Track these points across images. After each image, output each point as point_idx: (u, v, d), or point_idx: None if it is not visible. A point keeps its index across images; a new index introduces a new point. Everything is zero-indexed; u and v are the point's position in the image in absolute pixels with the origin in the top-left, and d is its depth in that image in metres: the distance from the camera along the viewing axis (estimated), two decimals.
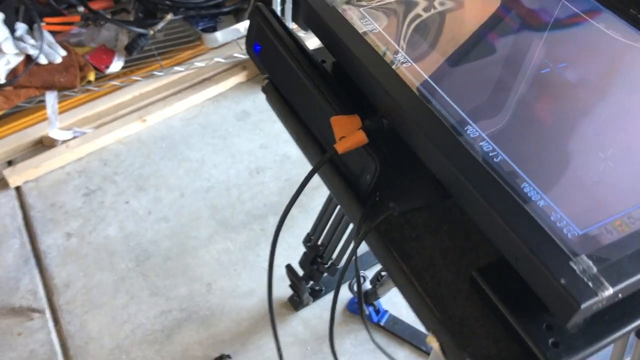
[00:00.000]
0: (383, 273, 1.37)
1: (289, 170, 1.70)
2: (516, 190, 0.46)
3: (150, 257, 1.51)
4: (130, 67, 1.75)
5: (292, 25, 1.80)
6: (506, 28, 0.61)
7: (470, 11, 0.63)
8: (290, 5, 1.72)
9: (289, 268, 1.40)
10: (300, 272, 1.40)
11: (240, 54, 1.82)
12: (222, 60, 1.81)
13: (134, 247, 1.52)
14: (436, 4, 0.64)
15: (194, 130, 1.79)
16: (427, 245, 0.56)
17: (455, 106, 0.52)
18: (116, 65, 1.69)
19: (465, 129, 0.51)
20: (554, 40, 0.60)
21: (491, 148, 0.49)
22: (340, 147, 0.54)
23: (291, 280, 1.41)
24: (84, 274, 1.47)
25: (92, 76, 1.66)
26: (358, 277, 0.59)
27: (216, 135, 1.78)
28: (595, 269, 0.42)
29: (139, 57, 1.74)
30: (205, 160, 1.72)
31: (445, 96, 0.53)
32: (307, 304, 1.45)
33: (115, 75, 1.73)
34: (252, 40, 0.67)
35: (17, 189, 1.63)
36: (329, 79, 0.60)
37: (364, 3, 0.62)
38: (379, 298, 1.41)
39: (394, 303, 1.46)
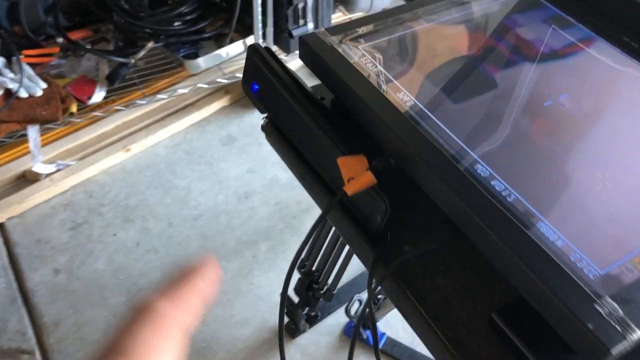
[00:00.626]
0: (380, 296, 1.36)
1: (278, 194, 1.69)
2: (533, 231, 0.46)
3: (141, 289, 1.48)
4: (112, 97, 1.73)
5: (273, 48, 1.80)
6: (504, 60, 0.61)
7: (472, 45, 0.63)
8: (272, 29, 1.72)
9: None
10: (296, 299, 1.38)
11: (223, 78, 1.81)
12: (205, 86, 1.79)
13: (124, 280, 1.49)
14: (432, 36, 0.63)
15: (179, 158, 1.77)
16: (442, 285, 0.55)
17: (464, 145, 0.52)
18: (98, 95, 1.67)
19: (476, 168, 0.50)
20: (552, 71, 0.60)
21: (503, 187, 0.49)
22: (350, 189, 0.53)
23: (287, 308, 1.39)
24: (74, 311, 1.44)
25: (74, 108, 1.63)
26: (375, 332, 0.58)
27: (202, 162, 1.77)
28: (621, 311, 0.41)
29: (121, 86, 1.72)
30: (192, 187, 1.70)
31: (453, 135, 0.53)
32: (304, 331, 1.43)
33: (98, 106, 1.71)
34: (250, 79, 0.67)
35: (1, 225, 1.59)
36: (332, 118, 0.59)
37: (361, 41, 0.62)
38: (376, 322, 1.39)
39: (391, 325, 1.45)
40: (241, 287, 1.50)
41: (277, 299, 1.47)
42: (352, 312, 1.40)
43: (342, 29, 0.63)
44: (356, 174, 0.54)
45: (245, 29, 1.80)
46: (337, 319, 1.48)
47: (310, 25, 1.79)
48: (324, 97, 0.65)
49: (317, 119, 0.59)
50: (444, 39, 0.63)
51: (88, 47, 1.68)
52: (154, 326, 0.28)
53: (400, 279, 0.54)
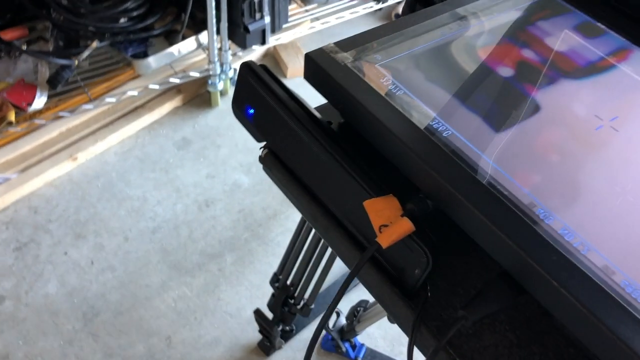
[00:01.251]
0: (359, 308, 1.29)
1: (241, 201, 1.59)
2: (618, 292, 0.39)
3: (99, 313, 1.36)
4: (54, 102, 1.58)
5: (227, 43, 1.68)
6: (541, 77, 0.54)
7: (505, 60, 0.55)
8: (226, 24, 1.60)
9: (257, 314, 1.29)
10: (269, 315, 1.30)
11: (175, 77, 1.68)
12: (156, 87, 1.66)
13: (79, 304, 1.37)
14: (460, 51, 0.55)
15: (131, 165, 1.64)
16: (491, 345, 0.48)
17: (519, 185, 0.44)
18: (39, 101, 1.52)
19: (537, 212, 0.43)
20: (594, 90, 0.54)
21: (573, 236, 0.42)
22: (385, 241, 0.45)
23: (261, 325, 1.30)
24: (24, 342, 1.30)
25: (12, 116, 1.48)
26: None
27: (156, 168, 1.64)
28: None
29: (64, 90, 1.57)
30: (148, 197, 1.58)
31: (503, 172, 0.45)
32: (280, 348, 1.35)
33: (39, 112, 1.55)
34: (243, 103, 0.57)
35: None
36: (347, 149, 0.51)
37: (378, 58, 0.53)
38: (357, 335, 1.33)
39: (369, 334, 1.39)
40: (208, 304, 1.40)
41: (248, 314, 1.38)
42: (331, 325, 1.33)
43: (352, 43, 0.54)
44: (388, 220, 0.46)
45: (198, 25, 1.68)
46: (312, 332, 1.39)
47: (267, 19, 1.68)
48: (330, 122, 0.56)
49: (333, 152, 0.50)
50: (474, 54, 0.55)
51: (24, 48, 1.52)
52: None
53: (454, 351, 0.46)
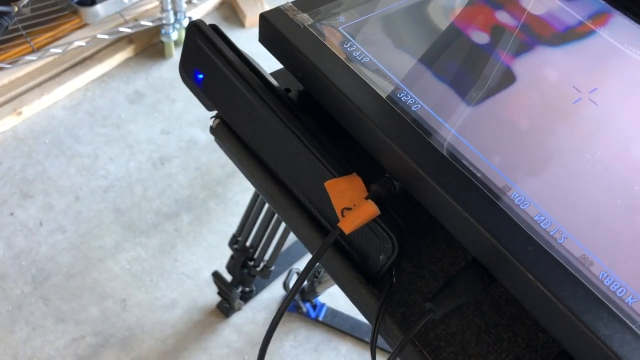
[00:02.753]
0: (320, 269, 1.27)
1: (197, 158, 1.53)
2: (597, 285, 0.36)
3: (50, 276, 1.31)
4: None
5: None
6: (517, 45, 0.50)
7: (482, 24, 0.50)
8: None
9: (216, 276, 1.26)
10: (228, 277, 1.27)
11: (126, 27, 1.58)
12: (105, 37, 1.57)
13: (28, 267, 1.31)
14: (434, 12, 0.51)
15: (80, 120, 1.56)
16: (457, 332, 0.45)
17: (492, 165, 0.41)
18: None
19: (512, 197, 0.40)
20: (572, 58, 0.50)
21: (550, 224, 0.38)
22: (348, 226, 0.41)
23: (220, 288, 1.27)
24: None
25: None
26: None
27: (107, 124, 1.56)
28: None
29: (4, 39, 1.46)
30: (99, 154, 1.50)
31: (476, 151, 0.41)
32: (239, 309, 1.32)
33: None
34: (191, 66, 0.52)
35: None
36: (309, 123, 0.46)
37: (341, 19, 0.48)
38: (317, 295, 1.31)
39: (331, 293, 1.37)
40: (165, 265, 1.36)
41: (206, 275, 1.35)
42: (291, 285, 1.30)
43: (314, 2, 0.49)
44: (352, 203, 0.42)
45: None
46: (273, 293, 1.38)
47: None
48: (289, 89, 0.52)
49: (291, 125, 0.46)
50: (446, 17, 0.51)
51: None
52: None
53: (419, 341, 0.43)
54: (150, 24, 1.62)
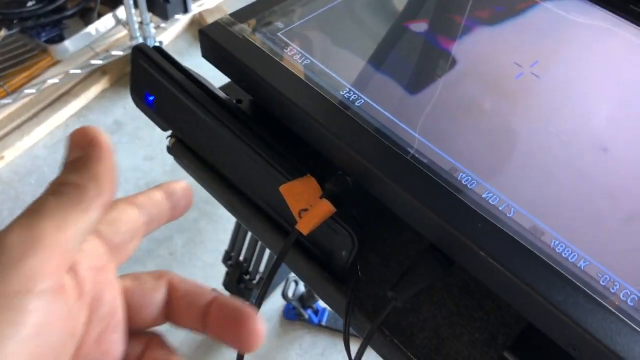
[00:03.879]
0: None
1: (183, 180, 1.53)
2: (548, 252, 0.37)
3: None
4: None
5: (148, 16, 1.60)
6: (455, 27, 0.51)
7: (419, 12, 0.51)
8: None
9: None
10: (226, 294, 1.27)
11: (97, 59, 1.59)
12: (78, 71, 1.57)
13: None
14: (373, 5, 0.51)
15: (63, 156, 1.56)
16: (429, 317, 0.45)
17: (437, 149, 0.41)
18: None
19: (458, 177, 0.40)
20: (513, 34, 0.51)
21: (498, 199, 0.39)
22: (305, 227, 0.42)
23: None
24: None
25: None
26: None
27: None
28: None
29: None
30: None
31: (421, 138, 0.42)
32: None
33: None
34: (140, 90, 0.52)
35: None
36: (259, 131, 0.47)
37: (280, 25, 0.49)
38: (317, 301, 1.31)
39: None
40: None
41: None
42: (290, 294, 1.31)
43: (249, 12, 0.50)
44: (308, 204, 0.43)
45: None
46: (273, 304, 1.38)
47: None
48: (240, 100, 0.52)
49: (242, 135, 0.46)
50: (384, 9, 0.51)
51: None
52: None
53: (386, 327, 0.44)
54: (121, 53, 1.63)
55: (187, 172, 0.54)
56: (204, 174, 0.51)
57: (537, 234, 0.38)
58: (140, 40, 1.60)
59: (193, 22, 1.89)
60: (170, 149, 0.54)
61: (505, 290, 0.37)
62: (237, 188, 0.50)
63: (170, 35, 1.82)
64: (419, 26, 0.51)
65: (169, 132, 0.55)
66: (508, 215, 0.38)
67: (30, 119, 1.58)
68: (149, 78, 0.51)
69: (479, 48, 0.49)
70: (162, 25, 1.74)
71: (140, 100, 0.53)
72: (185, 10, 1.64)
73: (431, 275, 0.40)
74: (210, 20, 1.83)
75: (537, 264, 0.36)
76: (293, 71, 0.46)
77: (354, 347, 0.46)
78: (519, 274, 0.36)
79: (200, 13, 1.86)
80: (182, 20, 1.83)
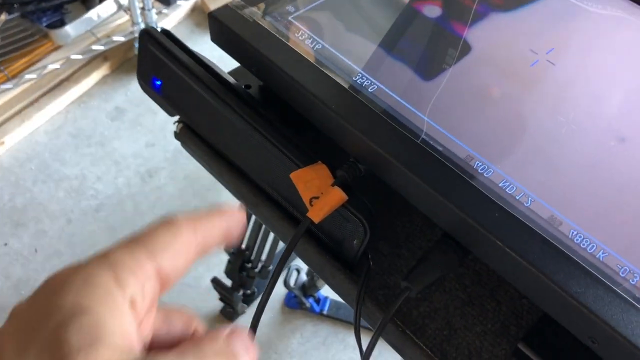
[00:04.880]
0: None
1: (185, 166, 1.53)
2: (567, 243, 0.36)
3: None
4: None
5: (150, 2, 1.58)
6: (469, 13, 0.50)
7: None
8: None
9: (215, 282, 1.25)
10: (228, 282, 1.26)
11: (98, 44, 1.58)
12: (79, 57, 1.56)
13: (28, 294, 1.30)
14: None
15: (64, 142, 1.55)
16: (441, 307, 0.45)
17: (452, 137, 0.40)
18: None
19: (475, 165, 0.39)
20: (529, 20, 0.50)
21: (514, 188, 0.38)
22: (316, 215, 0.41)
23: (220, 293, 1.27)
24: None
25: None
26: None
27: (92, 143, 1.56)
28: None
29: None
30: (86, 174, 1.50)
31: (436, 125, 0.41)
32: (243, 312, 1.32)
33: None
34: (148, 74, 0.51)
35: None
36: (269, 116, 0.46)
37: (291, 9, 0.48)
38: (319, 289, 1.31)
39: None
40: None
41: (207, 283, 1.35)
42: (292, 282, 1.30)
43: None
44: (319, 191, 0.42)
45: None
46: (275, 292, 1.36)
47: None
48: (249, 85, 0.51)
49: (251, 120, 0.45)
50: None
51: None
52: (173, 231, 0.25)
53: (398, 318, 0.43)
54: (122, 39, 1.61)
55: (195, 158, 0.53)
56: (212, 160, 0.50)
57: (554, 224, 0.37)
58: (142, 26, 1.59)
59: (195, 9, 1.87)
60: (177, 135, 0.53)
61: (522, 282, 0.37)
62: (245, 175, 0.49)
63: (172, 21, 1.80)
64: (432, 11, 0.50)
65: (174, 119, 0.54)
66: (525, 204, 0.38)
67: (30, 104, 1.56)
68: (156, 62, 0.50)
69: (493, 34, 0.48)
70: (164, 11, 1.72)
71: (147, 85, 0.52)
72: None
73: (446, 265, 0.40)
74: (212, 6, 1.82)
75: (555, 255, 0.36)
76: (304, 56, 0.45)
77: (363, 337, 0.46)
78: (537, 264, 0.35)
79: None
80: (184, 7, 1.81)
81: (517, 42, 0.47)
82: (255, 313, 0.42)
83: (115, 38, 1.60)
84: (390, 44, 0.47)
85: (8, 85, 1.47)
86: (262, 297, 0.42)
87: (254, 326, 0.43)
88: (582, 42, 0.49)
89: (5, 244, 1.37)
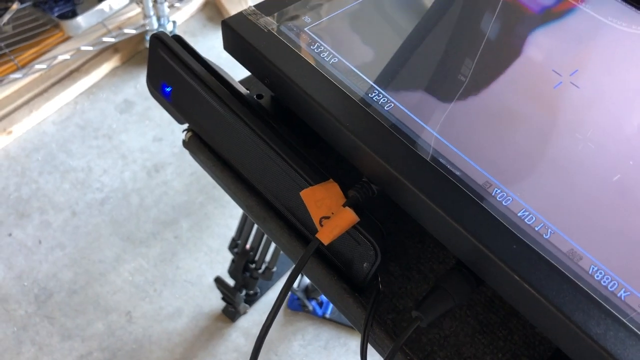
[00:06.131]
0: None
1: (192, 162, 1.51)
2: (589, 282, 0.35)
3: (52, 294, 1.30)
4: None
5: None
6: (492, 32, 0.48)
7: (453, 13, 0.49)
8: None
9: (218, 281, 1.24)
10: (231, 281, 1.25)
11: (109, 36, 1.56)
12: (89, 48, 1.55)
13: (30, 286, 1.30)
14: (405, 2, 0.49)
15: (71, 134, 1.54)
16: (450, 334, 0.43)
17: (471, 162, 0.39)
18: None
19: (494, 193, 0.38)
20: (552, 39, 0.48)
21: (534, 219, 0.37)
22: (326, 237, 0.39)
23: (223, 293, 1.26)
24: None
25: None
26: None
27: (99, 135, 1.55)
28: None
29: None
30: (92, 167, 1.49)
31: (454, 148, 0.40)
32: (245, 313, 1.31)
33: None
34: (157, 80, 0.50)
35: None
36: (280, 130, 0.45)
37: (307, 19, 0.46)
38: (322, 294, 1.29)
39: None
40: (167, 274, 1.35)
41: (209, 281, 1.34)
42: (295, 285, 1.29)
43: (275, 4, 0.47)
44: (330, 211, 0.41)
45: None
46: (277, 294, 1.36)
47: None
48: (261, 95, 0.50)
49: (262, 134, 0.44)
50: (416, 7, 0.49)
51: None
52: None
53: (408, 347, 0.42)
54: (133, 31, 1.60)
55: (203, 168, 0.52)
56: (221, 171, 0.49)
57: (574, 259, 0.36)
58: (154, 20, 1.58)
59: (208, 3, 1.86)
60: (186, 144, 0.51)
61: (538, 318, 0.35)
62: (254, 188, 0.48)
63: (184, 15, 1.79)
64: (452, 28, 0.48)
65: (184, 124, 0.53)
66: (545, 236, 0.36)
67: (39, 94, 1.55)
68: (167, 69, 0.49)
69: (515, 54, 0.46)
70: (177, 4, 1.71)
71: (157, 91, 0.50)
72: None
73: (458, 295, 0.38)
74: (226, 3, 1.80)
75: (575, 292, 0.34)
76: (320, 70, 0.43)
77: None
78: (556, 302, 0.34)
79: None
80: (196, 0, 1.80)
81: (540, 62, 0.46)
82: (260, 333, 0.41)
83: (127, 30, 1.59)
84: (409, 61, 0.45)
85: (18, 75, 1.46)
86: (269, 315, 0.40)
87: (261, 339, 0.42)
88: (607, 63, 0.48)
89: (10, 234, 1.37)
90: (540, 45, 0.47)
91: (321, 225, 0.41)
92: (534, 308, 0.35)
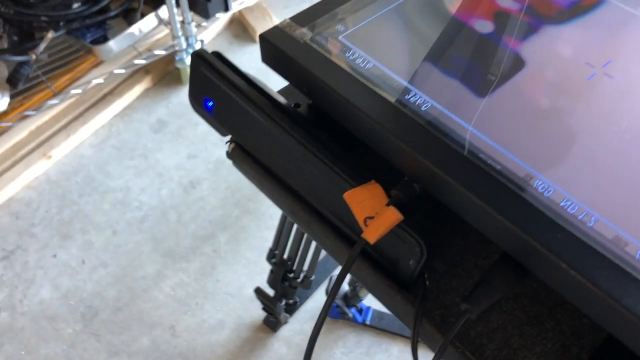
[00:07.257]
0: None
1: (226, 177, 1.54)
2: (632, 264, 0.35)
3: (98, 312, 1.33)
4: (18, 101, 1.51)
5: (189, 15, 1.60)
6: (523, 28, 0.49)
7: (482, 10, 0.50)
8: None
9: (258, 292, 1.26)
10: (270, 292, 1.27)
11: (140, 59, 1.61)
12: (122, 71, 1.59)
13: (76, 305, 1.34)
14: (434, 6, 0.50)
15: (108, 155, 1.59)
16: (499, 327, 0.44)
17: (509, 155, 0.40)
18: (1, 103, 1.45)
19: (535, 185, 0.39)
20: (583, 32, 0.49)
21: (577, 207, 0.37)
22: (372, 236, 0.41)
23: (263, 303, 1.27)
24: (26, 352, 1.28)
25: None
26: None
27: (135, 155, 1.59)
28: None
29: (26, 88, 1.50)
30: (130, 186, 1.53)
31: (492, 143, 0.41)
32: (286, 322, 1.33)
33: (4, 114, 1.49)
34: (199, 95, 0.52)
35: None
36: (320, 136, 0.46)
37: (340, 28, 0.48)
38: (361, 300, 1.30)
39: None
40: (207, 287, 1.37)
41: (249, 292, 1.36)
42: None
43: (311, 15, 0.49)
44: (374, 211, 0.42)
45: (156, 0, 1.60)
46: (317, 302, 1.38)
47: None
48: (299, 104, 0.52)
49: (303, 140, 0.45)
50: (445, 10, 0.50)
51: None
52: None
53: (459, 341, 0.43)
54: (163, 52, 1.64)
55: (247, 177, 0.54)
56: (264, 179, 0.51)
57: (620, 245, 0.36)
58: (183, 40, 1.61)
59: (233, 20, 1.89)
60: (229, 155, 0.53)
61: (587, 304, 0.36)
62: (298, 194, 0.49)
63: (211, 33, 1.82)
64: (484, 26, 0.49)
65: (213, 130, 0.55)
66: (588, 224, 0.37)
67: (76, 118, 1.60)
68: (208, 83, 0.51)
69: (547, 49, 0.47)
70: (204, 24, 1.74)
71: (199, 106, 0.52)
72: (226, 8, 1.64)
73: (505, 286, 0.39)
74: (250, 18, 1.84)
75: (622, 277, 0.35)
76: (354, 75, 0.45)
77: (407, 348, 0.45)
78: (604, 287, 0.34)
79: (240, 11, 1.86)
80: (222, 19, 1.83)
81: (573, 55, 0.47)
82: (309, 343, 0.42)
83: (157, 52, 1.63)
84: (443, 61, 0.46)
85: (55, 101, 1.50)
86: (317, 322, 0.42)
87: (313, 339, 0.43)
88: (638, 52, 0.48)
89: (54, 256, 1.41)
90: (571, 39, 0.48)
91: (366, 226, 0.42)
92: (582, 295, 0.35)
